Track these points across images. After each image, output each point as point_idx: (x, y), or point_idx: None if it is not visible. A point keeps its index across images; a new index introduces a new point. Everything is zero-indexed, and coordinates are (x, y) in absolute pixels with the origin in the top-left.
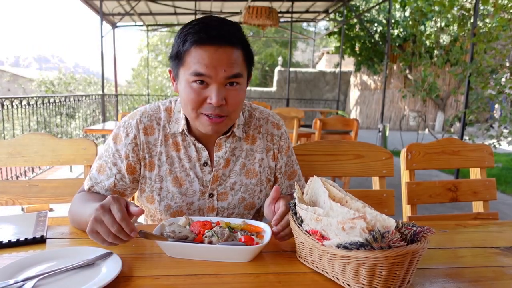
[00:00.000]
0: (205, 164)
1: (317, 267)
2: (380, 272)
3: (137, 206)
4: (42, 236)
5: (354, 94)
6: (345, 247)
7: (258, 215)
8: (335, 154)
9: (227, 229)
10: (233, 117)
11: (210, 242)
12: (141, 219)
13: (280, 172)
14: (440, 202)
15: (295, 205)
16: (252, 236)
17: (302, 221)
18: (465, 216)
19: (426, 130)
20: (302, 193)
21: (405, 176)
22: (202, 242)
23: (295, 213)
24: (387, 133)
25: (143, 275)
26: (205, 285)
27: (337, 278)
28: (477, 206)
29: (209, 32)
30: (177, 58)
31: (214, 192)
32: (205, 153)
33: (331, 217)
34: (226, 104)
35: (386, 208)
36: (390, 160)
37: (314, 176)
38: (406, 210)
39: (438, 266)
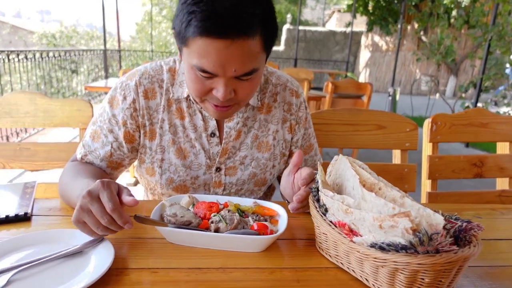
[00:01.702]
0: (213, 134)
1: (341, 263)
2: (422, 279)
3: (131, 196)
4: (26, 214)
5: (364, 55)
6: (382, 248)
7: (269, 191)
8: (354, 124)
9: (236, 214)
10: (244, 103)
11: (217, 229)
12: (140, 193)
13: (297, 146)
14: (464, 177)
15: (317, 190)
16: (266, 223)
17: (326, 210)
18: (488, 193)
19: (437, 95)
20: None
21: (427, 149)
22: (207, 228)
23: (318, 200)
24: (397, 97)
25: (139, 267)
26: (211, 282)
27: (366, 280)
28: (502, 183)
29: (220, 20)
30: (179, 36)
31: (222, 166)
32: (212, 123)
33: (363, 209)
34: (235, 95)
35: (407, 184)
36: (415, 132)
37: (340, 155)
38: (426, 186)
39: (479, 263)
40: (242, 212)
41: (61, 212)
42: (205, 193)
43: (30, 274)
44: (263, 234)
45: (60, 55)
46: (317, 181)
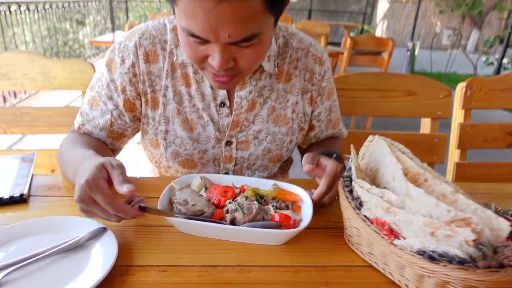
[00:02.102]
0: (222, 104)
1: (375, 262)
2: None
3: (124, 178)
4: (22, 195)
5: (382, 6)
6: (431, 257)
7: (286, 164)
8: (382, 90)
9: (255, 202)
10: (249, 72)
11: (233, 220)
12: (145, 166)
13: (319, 119)
14: (496, 147)
15: (350, 179)
16: (288, 212)
17: (361, 203)
18: None
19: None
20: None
21: (459, 116)
22: (222, 218)
23: (351, 191)
24: (416, 52)
25: (146, 264)
26: (227, 285)
27: (407, 286)
28: None
29: None
30: None
31: (233, 140)
32: (222, 91)
33: (408, 208)
34: (236, 64)
35: (436, 156)
36: (448, 99)
37: (376, 136)
38: (454, 156)
39: None
40: (261, 198)
41: (61, 191)
42: (214, 168)
43: (24, 274)
44: (286, 227)
45: (64, 6)
46: (349, 168)
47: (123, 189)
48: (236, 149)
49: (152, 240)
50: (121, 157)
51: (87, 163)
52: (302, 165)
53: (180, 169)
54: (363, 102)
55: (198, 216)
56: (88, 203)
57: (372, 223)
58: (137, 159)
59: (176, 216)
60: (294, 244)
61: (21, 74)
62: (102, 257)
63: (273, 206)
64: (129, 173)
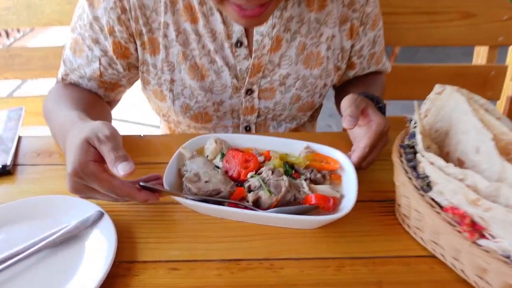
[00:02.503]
0: (239, 44)
1: (442, 254)
2: None
3: (125, 159)
4: (4, 167)
5: None
6: None
7: (316, 110)
8: (432, 13)
9: (284, 177)
10: None
11: (257, 200)
12: (153, 115)
13: (360, 55)
14: None
15: (413, 151)
16: (326, 190)
17: (429, 184)
18: None
19: None
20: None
21: None
22: (243, 198)
23: (414, 167)
24: None
25: (153, 259)
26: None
27: None
28: None
29: None
30: None
31: (254, 88)
32: (238, 27)
33: (505, 200)
34: None
35: (491, 91)
36: None
37: (448, 87)
38: (508, 89)
39: None
40: (291, 169)
41: (51, 159)
42: (233, 121)
43: (6, 278)
44: (324, 209)
45: None
46: (412, 134)
47: (118, 171)
48: (259, 98)
49: (159, 225)
50: (120, 105)
51: (71, 137)
52: (342, 111)
53: (192, 124)
54: (408, 29)
55: (213, 196)
56: (85, 192)
57: (445, 211)
58: (141, 107)
59: (186, 198)
60: (334, 227)
61: (3, 9)
62: (98, 252)
63: (306, 178)
64: (131, 128)
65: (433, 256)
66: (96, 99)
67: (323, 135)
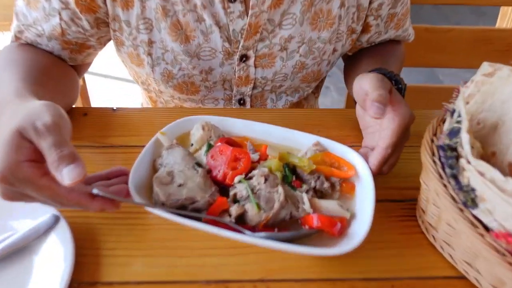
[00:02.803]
0: None
1: (476, 279)
2: None
3: (73, 160)
4: None
5: None
6: None
7: (322, 82)
8: None
9: (279, 188)
10: None
11: (242, 215)
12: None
13: (378, 15)
14: None
15: (455, 153)
16: (335, 209)
17: (474, 201)
18: None
19: None
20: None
21: None
22: (225, 209)
23: (455, 176)
24: None
25: (121, 280)
26: None
27: None
28: None
29: None
30: None
31: (250, 53)
32: None
33: None
34: None
35: None
36: None
37: (503, 67)
38: None
39: None
40: (291, 174)
41: None
42: (225, 93)
43: None
44: (330, 233)
45: None
46: (453, 131)
47: (62, 178)
48: (255, 67)
49: (129, 231)
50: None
51: (0, 125)
52: (356, 92)
53: (176, 95)
54: None
55: (185, 206)
56: (21, 199)
57: (495, 237)
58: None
59: (154, 206)
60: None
61: None
62: (50, 270)
63: (309, 189)
64: (113, 85)
65: (464, 278)
66: (56, 65)
67: (330, 114)
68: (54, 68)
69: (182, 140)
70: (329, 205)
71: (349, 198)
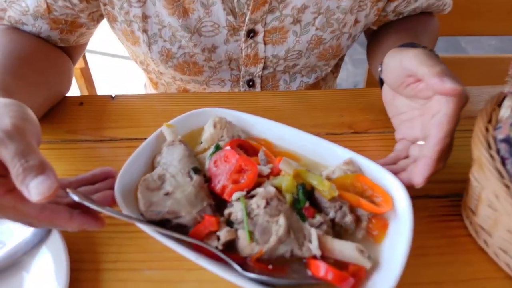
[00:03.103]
0: None
1: None
2: None
3: (42, 172)
4: None
5: None
6: None
7: (342, 59)
8: None
9: (280, 220)
10: None
11: (230, 244)
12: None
13: None
14: None
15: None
16: (348, 261)
17: None
18: None
19: None
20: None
21: None
22: (214, 231)
23: None
24: None
25: None
26: None
27: None
28: None
29: None
30: None
31: (259, 28)
32: None
33: None
34: None
35: None
36: None
37: None
38: None
39: None
40: (305, 198)
41: None
42: (231, 74)
43: None
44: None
45: None
46: None
47: (30, 193)
48: (265, 43)
49: (133, 241)
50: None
51: None
52: (387, 72)
53: (178, 76)
54: None
55: (167, 221)
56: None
57: None
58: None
59: (133, 219)
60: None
61: None
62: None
63: (324, 221)
64: (111, 70)
65: None
66: (42, 51)
67: (353, 95)
68: (39, 56)
69: (194, 136)
70: (345, 249)
71: (377, 241)
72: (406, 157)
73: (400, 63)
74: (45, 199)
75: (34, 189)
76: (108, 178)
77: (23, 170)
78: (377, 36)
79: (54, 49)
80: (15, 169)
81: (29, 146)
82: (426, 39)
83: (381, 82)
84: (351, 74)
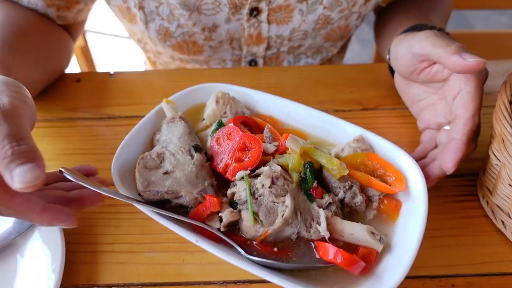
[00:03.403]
0: None
1: None
2: None
3: (31, 159)
4: None
5: None
6: None
7: (349, 41)
8: None
9: (287, 200)
10: None
11: (232, 225)
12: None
13: None
14: None
15: None
16: (359, 243)
17: None
18: None
19: None
20: None
21: None
22: (216, 212)
23: None
24: None
25: (121, 283)
26: None
27: None
28: None
29: None
30: None
31: (263, 5)
32: None
33: None
34: None
35: None
36: None
37: None
38: None
39: None
40: (313, 177)
41: None
42: (233, 53)
43: None
44: (352, 270)
45: None
46: None
47: (12, 179)
48: (269, 22)
49: (131, 222)
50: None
51: None
52: (400, 53)
53: (177, 56)
54: None
55: (166, 201)
56: None
57: None
58: None
59: (131, 200)
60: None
61: None
62: (37, 272)
63: (334, 201)
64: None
65: None
66: (40, 26)
67: (362, 70)
68: (37, 31)
69: (195, 113)
70: (356, 231)
71: (389, 222)
72: (435, 147)
73: (410, 49)
74: (28, 188)
75: (18, 176)
76: (90, 175)
77: (12, 153)
78: (385, 14)
79: (52, 25)
80: (2, 151)
81: (23, 130)
82: (437, 17)
83: (392, 71)
84: (357, 54)
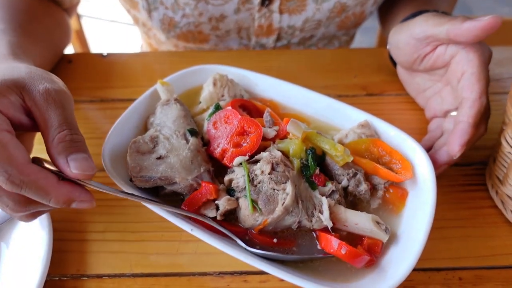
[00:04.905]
0: None
1: None
2: None
3: (83, 151)
4: None
5: None
6: None
7: (356, 31)
8: None
9: (288, 187)
10: None
11: (229, 214)
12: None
13: None
14: None
15: None
16: (363, 234)
17: None
18: None
19: None
20: None
21: None
22: (213, 199)
23: None
24: None
25: (111, 273)
26: None
27: None
28: None
29: None
30: None
31: None
32: None
33: None
34: None
35: None
36: None
37: None
38: None
39: None
40: (315, 164)
41: None
42: (240, 43)
43: None
44: (354, 263)
45: None
46: None
47: (70, 163)
48: (281, 12)
49: (123, 210)
50: None
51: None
52: (416, 44)
53: (181, 44)
54: None
55: (160, 188)
56: None
57: None
58: None
59: (123, 193)
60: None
61: None
62: (23, 260)
63: (337, 189)
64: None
65: None
66: (45, 7)
67: (366, 54)
68: (43, 12)
69: (192, 96)
70: (360, 220)
71: (394, 211)
72: (442, 136)
73: (412, 35)
74: (82, 176)
75: (76, 162)
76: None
77: (70, 140)
78: (389, 2)
79: (55, 7)
80: (60, 134)
81: (75, 120)
82: (442, 2)
83: (394, 63)
84: (357, 43)
